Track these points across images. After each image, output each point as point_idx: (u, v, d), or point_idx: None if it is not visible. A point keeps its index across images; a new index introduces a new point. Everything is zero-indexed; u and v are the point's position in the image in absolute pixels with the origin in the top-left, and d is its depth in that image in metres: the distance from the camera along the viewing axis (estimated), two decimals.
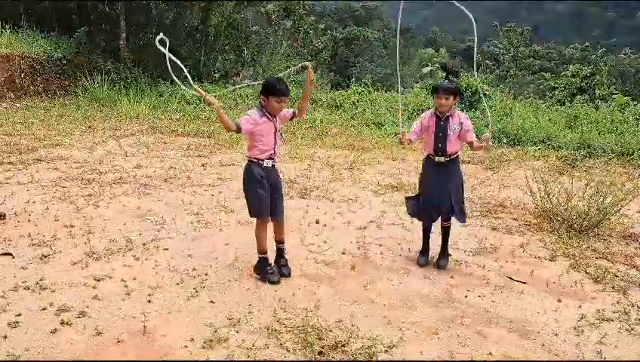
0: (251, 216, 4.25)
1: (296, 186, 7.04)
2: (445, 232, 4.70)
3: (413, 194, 4.87)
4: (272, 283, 4.14)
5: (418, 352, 3.31)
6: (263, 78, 17.27)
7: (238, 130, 3.95)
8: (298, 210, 6.06)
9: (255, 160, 4.10)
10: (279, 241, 4.39)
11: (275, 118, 4.09)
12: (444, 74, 15.31)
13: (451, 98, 4.37)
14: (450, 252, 4.78)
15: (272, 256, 4.35)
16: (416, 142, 4.72)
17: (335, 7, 56.95)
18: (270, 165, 4.13)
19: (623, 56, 46.55)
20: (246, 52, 18.77)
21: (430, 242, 4.75)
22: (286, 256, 4.42)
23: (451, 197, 4.49)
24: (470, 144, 4.51)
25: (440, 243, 4.73)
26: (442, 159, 4.47)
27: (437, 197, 4.50)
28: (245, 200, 4.25)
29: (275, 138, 4.11)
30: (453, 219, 4.63)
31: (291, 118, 4.33)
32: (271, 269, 4.24)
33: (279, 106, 4.02)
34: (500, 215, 6.21)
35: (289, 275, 4.31)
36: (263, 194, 4.10)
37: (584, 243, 5.27)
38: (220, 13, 18.19)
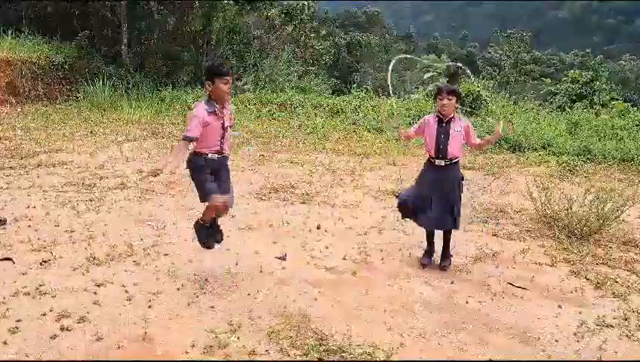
0: (202, 201, 4.14)
1: (297, 192, 7.05)
2: (446, 238, 4.72)
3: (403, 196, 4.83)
4: (206, 246, 4.30)
5: (419, 358, 3.31)
6: (265, 83, 17.32)
7: (193, 140, 3.90)
8: (299, 215, 6.07)
9: (199, 153, 4.02)
10: (217, 217, 4.37)
11: (224, 114, 4.02)
12: (445, 80, 15.39)
13: (454, 99, 4.42)
14: (452, 255, 4.78)
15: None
16: (418, 149, 4.73)
17: (337, 13, 57.20)
18: (215, 158, 4.07)
19: (623, 63, 46.62)
20: (248, 57, 18.81)
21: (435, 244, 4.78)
22: (219, 223, 4.42)
23: (453, 209, 4.53)
24: (475, 145, 4.61)
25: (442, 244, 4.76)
26: (442, 163, 4.50)
27: (433, 205, 4.52)
28: (197, 191, 4.14)
29: (223, 134, 4.04)
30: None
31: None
32: (208, 235, 4.30)
33: (226, 87, 3.96)
34: (500, 221, 6.21)
35: (221, 240, 4.42)
36: (208, 176, 4.05)
37: (584, 249, 5.27)
38: (222, 19, 18.24)
